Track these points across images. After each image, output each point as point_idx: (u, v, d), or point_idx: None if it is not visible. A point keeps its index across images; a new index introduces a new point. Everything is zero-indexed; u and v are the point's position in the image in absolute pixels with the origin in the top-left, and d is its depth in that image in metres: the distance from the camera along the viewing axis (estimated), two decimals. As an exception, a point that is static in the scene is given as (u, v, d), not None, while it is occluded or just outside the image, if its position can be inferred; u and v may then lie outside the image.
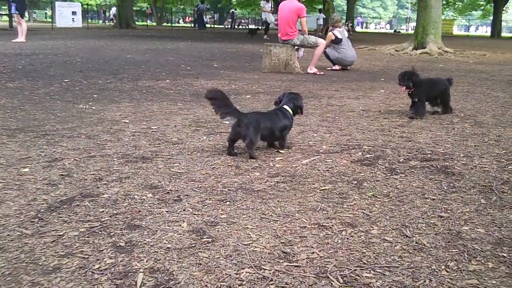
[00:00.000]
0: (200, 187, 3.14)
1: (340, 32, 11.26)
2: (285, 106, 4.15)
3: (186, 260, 2.17)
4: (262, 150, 4.06)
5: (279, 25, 10.49)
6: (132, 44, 18.57)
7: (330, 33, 11.30)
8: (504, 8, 51.90)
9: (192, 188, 3.11)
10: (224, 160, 3.74)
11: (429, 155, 3.99)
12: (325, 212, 2.78)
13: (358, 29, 59.69)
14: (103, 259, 2.17)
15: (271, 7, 25.53)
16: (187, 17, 71.86)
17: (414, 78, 5.29)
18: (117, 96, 6.67)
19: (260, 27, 33.36)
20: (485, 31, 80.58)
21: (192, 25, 53.02)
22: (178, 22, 63.61)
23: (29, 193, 2.95)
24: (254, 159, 3.81)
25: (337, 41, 11.12)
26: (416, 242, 2.41)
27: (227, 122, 4.66)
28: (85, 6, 47.39)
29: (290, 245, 2.35)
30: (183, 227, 2.53)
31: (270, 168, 3.59)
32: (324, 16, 35.66)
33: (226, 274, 2.07)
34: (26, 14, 27.91)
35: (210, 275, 2.05)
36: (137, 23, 46.82)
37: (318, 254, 2.26)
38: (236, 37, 29.01)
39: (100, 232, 2.44)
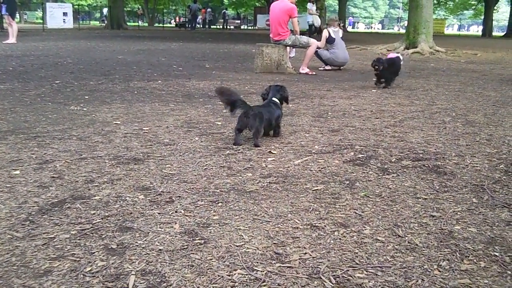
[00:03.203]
0: (192, 188, 3.13)
1: (335, 32, 11.26)
2: (274, 99, 4.63)
3: (178, 262, 2.17)
4: (254, 150, 4.06)
5: (270, 25, 10.50)
6: (124, 45, 18.53)
7: (324, 31, 11.30)
8: (495, 8, 52.21)
9: (184, 189, 3.10)
10: (216, 161, 3.74)
11: (421, 155, 4.00)
12: (318, 212, 2.77)
13: (349, 29, 59.78)
14: (95, 261, 2.16)
15: (317, 10, 24.80)
16: (177, 17, 71.71)
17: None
18: (108, 97, 6.65)
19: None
20: (477, 30, 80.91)
21: (177, 26, 51.80)
22: (170, 23, 63.60)
23: (20, 195, 2.93)
24: (259, 147, 4.16)
25: (330, 40, 11.13)
26: (409, 242, 2.41)
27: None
28: (76, 7, 47.19)
29: (283, 246, 2.35)
30: (175, 228, 2.52)
31: (262, 168, 3.58)
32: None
33: (218, 275, 2.06)
34: (17, 15, 27.80)
35: (203, 277, 2.04)
36: (128, 23, 46.71)
37: (310, 255, 2.26)
38: (228, 37, 28.98)
39: (91, 235, 2.43)
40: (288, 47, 10.70)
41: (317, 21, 24.35)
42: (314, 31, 25.18)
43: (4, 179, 3.22)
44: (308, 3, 26.68)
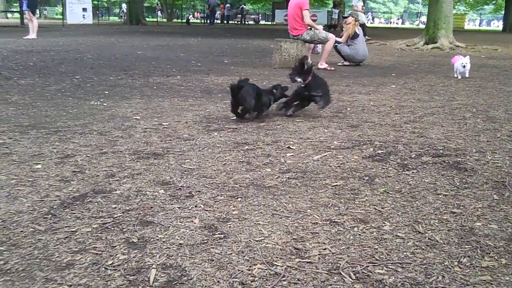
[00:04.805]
0: (212, 183, 3.14)
1: (358, 28, 11.25)
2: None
3: (199, 256, 2.18)
4: (272, 145, 4.06)
5: (288, 20, 10.51)
6: (143, 40, 18.61)
7: (354, 26, 11.13)
8: (516, 2, 51.44)
9: (203, 184, 3.12)
10: (235, 156, 3.75)
11: (441, 151, 3.97)
12: (337, 208, 2.77)
13: (368, 24, 59.40)
14: (116, 255, 2.19)
15: (363, 6, 23.73)
16: (196, 13, 71.87)
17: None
18: (128, 92, 6.69)
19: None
20: (497, 25, 79.96)
21: (186, 23, 51.04)
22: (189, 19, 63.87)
23: (42, 189, 2.97)
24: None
25: (354, 36, 11.08)
26: (429, 238, 2.40)
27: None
28: (96, 3, 47.48)
29: (302, 241, 2.35)
30: (195, 223, 2.53)
31: (281, 164, 3.59)
32: (337, 11, 35.01)
33: (238, 270, 2.07)
34: (37, 11, 28.04)
35: (223, 271, 2.06)
36: (147, 19, 46.89)
37: (330, 250, 2.26)
38: (246, 32, 28.97)
39: (112, 228, 2.46)
40: (313, 44, 10.70)
41: (362, 19, 23.36)
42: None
43: (26, 173, 3.26)
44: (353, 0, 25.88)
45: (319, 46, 11.61)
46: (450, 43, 17.12)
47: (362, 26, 22.65)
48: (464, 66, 9.01)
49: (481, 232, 2.49)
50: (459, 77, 9.01)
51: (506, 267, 2.13)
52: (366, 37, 21.27)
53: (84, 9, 35.29)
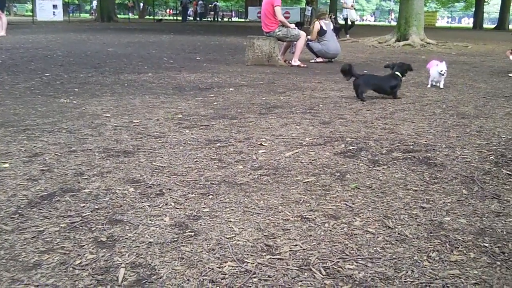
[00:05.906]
0: (183, 180, 3.12)
1: (326, 24, 11.29)
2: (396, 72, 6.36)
3: (168, 255, 2.16)
4: (244, 142, 4.05)
5: (261, 17, 10.54)
6: (114, 37, 18.43)
7: (316, 23, 11.27)
8: (486, 0, 52.31)
9: (174, 182, 3.09)
10: (206, 154, 3.73)
11: (411, 147, 4.01)
12: (308, 204, 2.77)
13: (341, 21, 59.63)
14: (84, 254, 2.15)
15: (352, 3, 23.40)
16: (169, 10, 71.50)
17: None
18: (98, 90, 6.62)
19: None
20: (467, 22, 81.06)
21: (157, 18, 50.46)
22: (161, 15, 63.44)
23: (9, 188, 2.91)
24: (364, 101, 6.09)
25: (321, 33, 11.14)
26: (399, 233, 2.42)
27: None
28: (66, 0, 46.90)
29: (273, 238, 2.34)
30: (165, 221, 2.51)
31: (253, 161, 3.58)
32: (310, 8, 35.09)
33: (208, 268, 2.06)
34: (6, 7, 27.59)
35: (193, 269, 2.04)
36: (118, 16, 46.49)
37: (301, 247, 2.26)
38: (219, 30, 28.89)
39: (81, 228, 2.42)
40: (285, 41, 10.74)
41: (351, 15, 23.08)
42: (349, 27, 22.76)
43: (-7, 172, 3.20)
44: None
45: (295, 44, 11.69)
46: (421, 40, 17.30)
47: (345, 23, 22.74)
48: (442, 74, 7.39)
49: (450, 226, 2.51)
50: (429, 85, 7.64)
51: (474, 261, 2.15)
52: (347, 36, 21.30)
53: (55, 6, 34.89)
